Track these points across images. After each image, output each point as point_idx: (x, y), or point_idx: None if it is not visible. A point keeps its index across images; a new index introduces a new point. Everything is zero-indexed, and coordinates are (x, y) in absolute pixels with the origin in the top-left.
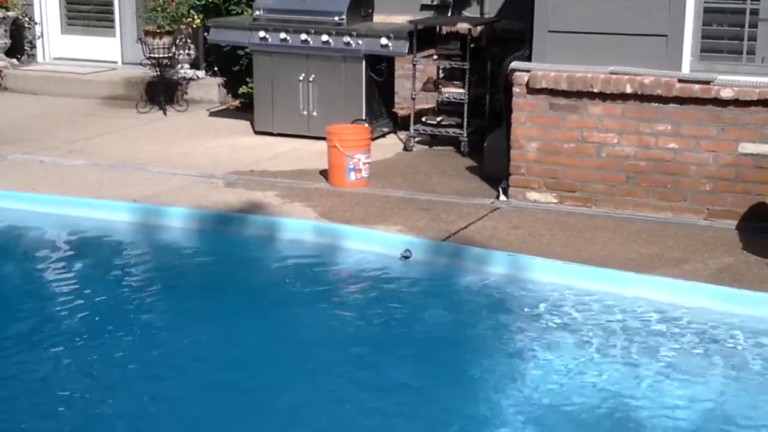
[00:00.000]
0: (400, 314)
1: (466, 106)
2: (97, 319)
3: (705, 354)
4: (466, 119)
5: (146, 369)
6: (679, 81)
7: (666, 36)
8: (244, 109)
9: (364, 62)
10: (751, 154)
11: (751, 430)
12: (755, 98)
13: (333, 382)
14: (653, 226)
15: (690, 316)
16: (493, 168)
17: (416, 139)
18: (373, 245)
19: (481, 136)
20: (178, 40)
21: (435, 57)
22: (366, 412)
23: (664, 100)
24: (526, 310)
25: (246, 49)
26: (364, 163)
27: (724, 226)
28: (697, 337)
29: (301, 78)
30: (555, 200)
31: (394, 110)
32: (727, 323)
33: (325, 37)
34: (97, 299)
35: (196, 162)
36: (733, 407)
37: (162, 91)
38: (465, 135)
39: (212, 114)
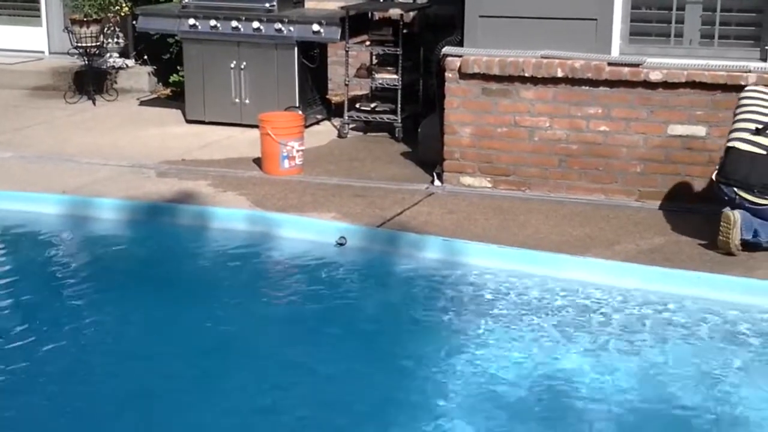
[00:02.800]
0: (336, 301)
1: (399, 92)
2: (21, 311)
3: (638, 333)
4: (400, 105)
5: (72, 360)
6: (609, 64)
7: (595, 20)
8: (175, 98)
9: (296, 49)
10: (680, 136)
11: (686, 404)
12: (683, 80)
13: (268, 371)
14: (586, 209)
15: (623, 296)
16: (427, 153)
17: (350, 126)
18: (308, 233)
19: (415, 121)
20: (106, 29)
21: (368, 43)
22: (301, 399)
23: (594, 83)
24: (461, 294)
25: (176, 37)
26: (298, 151)
27: (655, 207)
28: (630, 317)
29: (232, 65)
30: (489, 184)
31: (327, 97)
32: (659, 302)
33: (256, 24)
34: (23, 292)
35: (126, 152)
36: (666, 383)
37: (90, 81)
38: (399, 121)
39: (142, 103)
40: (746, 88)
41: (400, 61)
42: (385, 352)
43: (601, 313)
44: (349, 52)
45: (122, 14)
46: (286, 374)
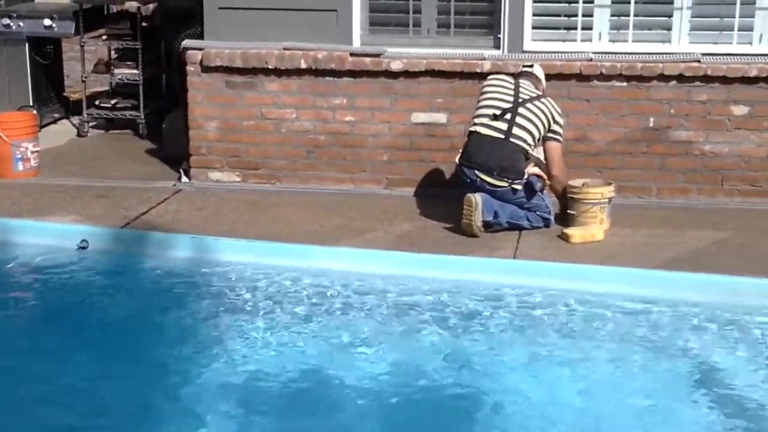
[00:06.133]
0: (80, 308)
1: (141, 87)
2: None
3: (391, 317)
4: (142, 101)
5: None
6: (351, 55)
7: (336, 10)
8: None
9: (27, 45)
10: (423, 123)
11: (435, 383)
12: (423, 69)
13: (14, 382)
14: (336, 199)
15: (374, 282)
16: (173, 149)
17: (91, 124)
18: (46, 238)
19: (160, 117)
20: None
21: (104, 37)
22: (51, 408)
23: (337, 74)
24: (212, 291)
25: None
26: (33, 152)
27: (403, 194)
28: (381, 303)
29: None
30: (238, 179)
31: (65, 95)
32: (408, 286)
33: None
34: None
35: None
36: (416, 364)
37: None
38: (142, 117)
39: None
40: (489, 76)
41: (140, 56)
42: (129, 356)
43: (351, 301)
44: (86, 47)
45: None
46: (31, 381)
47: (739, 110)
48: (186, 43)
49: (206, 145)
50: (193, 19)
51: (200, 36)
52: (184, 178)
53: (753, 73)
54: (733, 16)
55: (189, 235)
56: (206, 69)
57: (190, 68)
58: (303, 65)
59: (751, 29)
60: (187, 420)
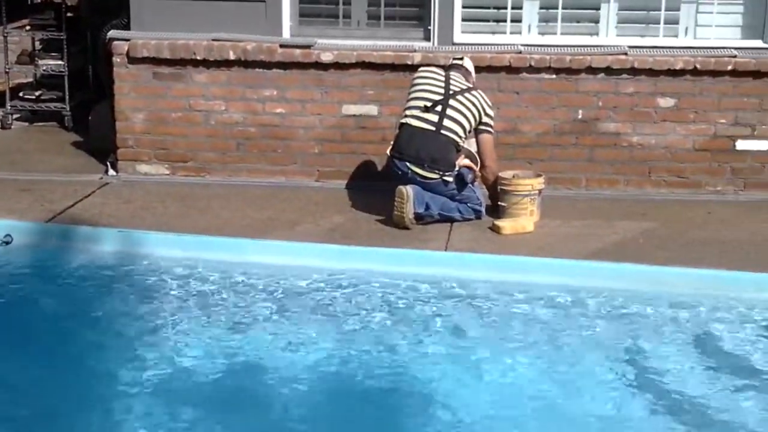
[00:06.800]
0: (4, 305)
1: (66, 78)
2: None
3: (321, 310)
4: (68, 92)
5: None
6: (281, 46)
7: (264, 1)
8: None
9: None
10: (354, 115)
11: (362, 374)
12: (353, 61)
13: None
14: (267, 191)
15: (304, 275)
16: (100, 142)
17: (15, 116)
18: None
19: (86, 109)
20: None
21: (28, 28)
22: None
23: (267, 65)
24: (140, 286)
25: None
26: None
27: (335, 186)
28: (312, 295)
29: None
30: (167, 171)
31: None
32: (340, 278)
33: None
34: None
35: None
36: (343, 356)
37: None
38: (68, 109)
39: None
40: (420, 69)
41: (65, 46)
42: (51, 352)
43: (282, 294)
44: (10, 38)
45: None
46: None
47: (666, 102)
48: (112, 33)
49: (133, 137)
50: (119, 9)
51: (127, 26)
52: (111, 171)
53: (679, 66)
54: (659, 10)
55: (116, 229)
56: (133, 60)
57: (116, 59)
58: (232, 56)
59: (676, 22)
60: (109, 417)
